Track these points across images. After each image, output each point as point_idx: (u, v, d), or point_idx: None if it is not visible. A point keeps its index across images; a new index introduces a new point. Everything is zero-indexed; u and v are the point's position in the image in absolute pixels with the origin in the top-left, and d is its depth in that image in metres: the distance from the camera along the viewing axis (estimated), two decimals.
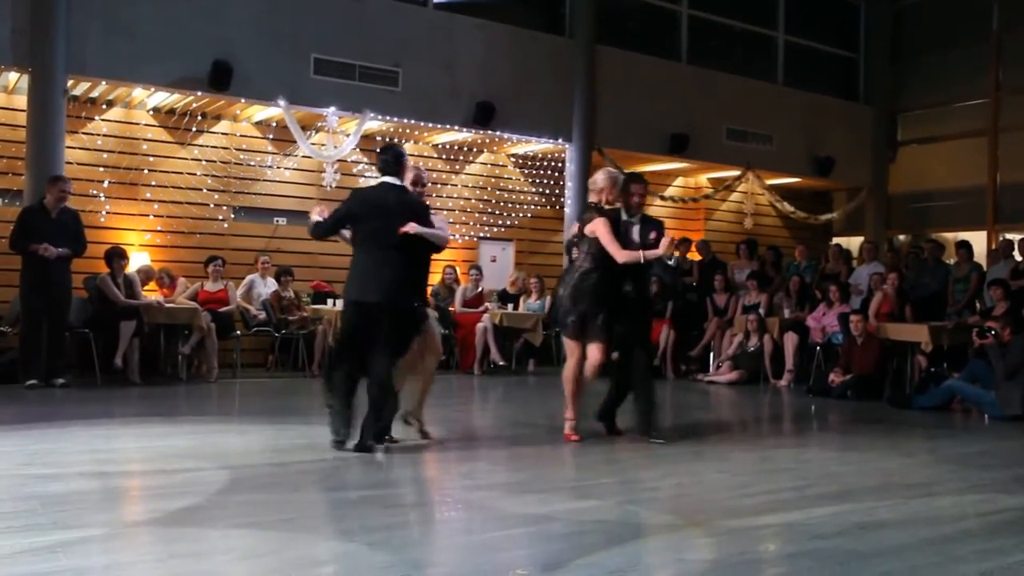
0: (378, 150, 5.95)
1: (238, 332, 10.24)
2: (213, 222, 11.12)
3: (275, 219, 11.50)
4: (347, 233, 5.75)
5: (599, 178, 6.21)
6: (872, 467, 5.65)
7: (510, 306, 11.81)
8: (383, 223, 5.53)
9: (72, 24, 9.34)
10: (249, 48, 10.21)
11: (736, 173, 14.37)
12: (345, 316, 5.64)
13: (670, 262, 6.35)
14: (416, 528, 3.97)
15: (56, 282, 8.61)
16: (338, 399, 5.50)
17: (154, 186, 10.77)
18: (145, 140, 10.75)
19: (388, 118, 11.16)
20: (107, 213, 10.47)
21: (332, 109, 10.71)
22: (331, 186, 11.18)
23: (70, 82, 9.52)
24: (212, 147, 11.14)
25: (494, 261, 13.16)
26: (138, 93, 10.18)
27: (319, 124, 11.16)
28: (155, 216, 10.79)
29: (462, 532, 3.87)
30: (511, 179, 13.40)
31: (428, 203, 6.14)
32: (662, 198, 14.36)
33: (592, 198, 6.23)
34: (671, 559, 3.55)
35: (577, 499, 4.49)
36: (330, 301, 10.69)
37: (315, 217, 5.82)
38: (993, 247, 13.51)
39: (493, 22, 12.09)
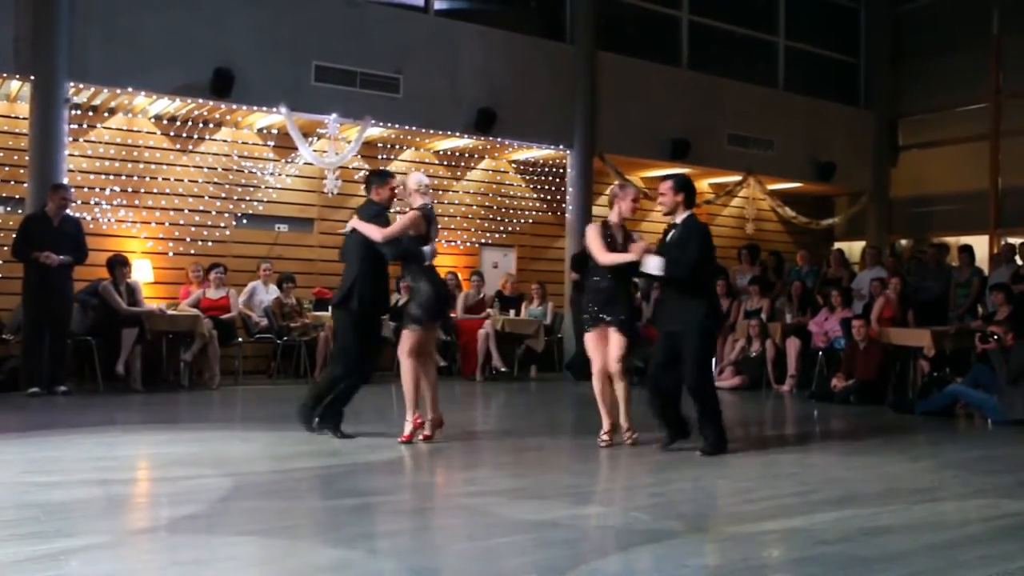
0: (683, 181, 6.15)
1: (240, 339, 10.25)
2: (215, 229, 11.13)
3: (277, 226, 11.51)
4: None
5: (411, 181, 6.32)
6: (875, 472, 5.64)
7: (512, 312, 11.81)
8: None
9: (74, 32, 9.36)
10: (250, 55, 10.24)
11: (737, 178, 14.38)
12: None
13: None
14: (418, 535, 3.97)
15: (58, 290, 8.62)
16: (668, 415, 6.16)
17: (156, 193, 10.78)
18: (147, 148, 10.77)
19: (389, 125, 11.18)
20: (109, 221, 10.49)
21: (333, 116, 10.72)
22: (332, 193, 11.20)
23: (72, 90, 9.54)
24: (214, 154, 11.15)
25: (496, 267, 13.16)
26: (140, 101, 10.20)
27: (320, 131, 11.18)
28: (157, 224, 10.80)
29: (464, 539, 3.87)
30: (512, 185, 13.41)
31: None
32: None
33: (417, 200, 6.22)
34: (674, 565, 3.54)
35: (579, 505, 4.49)
36: (331, 308, 10.68)
37: (654, 259, 5.95)
38: (995, 251, 13.50)
39: (494, 29, 12.12)
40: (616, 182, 6.99)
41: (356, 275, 6.16)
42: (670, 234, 6.15)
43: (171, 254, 10.85)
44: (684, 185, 6.10)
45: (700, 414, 6.09)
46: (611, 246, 6.24)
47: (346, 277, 6.27)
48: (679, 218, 6.07)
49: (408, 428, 6.20)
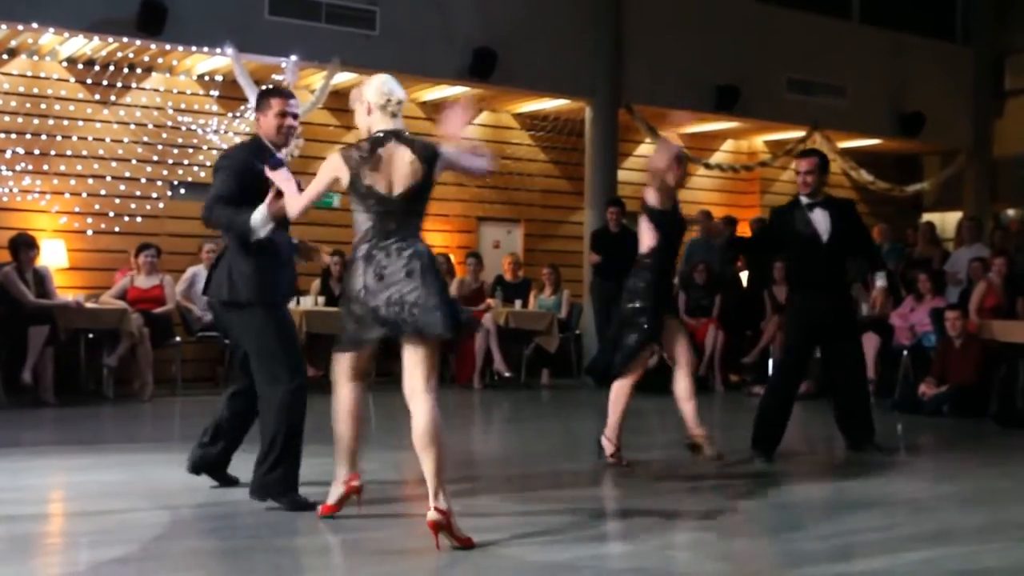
0: (825, 157, 7.08)
1: (178, 339, 10.26)
2: (145, 201, 11.14)
3: None
4: None
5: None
6: (975, 501, 5.65)
7: (517, 303, 11.81)
8: None
9: None
10: None
11: (800, 134, 14.34)
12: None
13: None
14: None
15: None
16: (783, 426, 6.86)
17: (70, 157, 10.78)
18: (58, 99, 10.77)
19: (363, 69, 11.15)
20: (11, 191, 10.49)
21: (292, 58, 10.71)
22: (292, 155, 11.16)
23: None
24: (143, 107, 11.15)
25: (497, 247, 13.15)
26: (48, 39, 10.19)
27: (276, 77, 11.16)
28: (71, 194, 10.80)
29: None
30: (518, 145, 13.39)
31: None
32: (707, 166, 14.35)
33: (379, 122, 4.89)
34: None
35: (604, 543, 4.50)
36: (293, 300, 10.68)
37: None
38: None
39: None
40: (656, 144, 7.16)
41: (227, 256, 5.08)
42: (810, 214, 6.83)
43: (90, 232, 10.85)
44: (827, 162, 7.19)
45: (867, 414, 7.24)
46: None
47: (222, 261, 5.14)
48: (818, 197, 6.87)
49: (337, 493, 4.85)
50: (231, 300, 5.01)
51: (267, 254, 4.97)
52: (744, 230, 13.42)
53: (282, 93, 5.35)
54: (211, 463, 5.42)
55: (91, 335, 9.80)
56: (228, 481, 5.46)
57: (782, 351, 7.34)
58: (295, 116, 5.32)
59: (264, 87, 5.60)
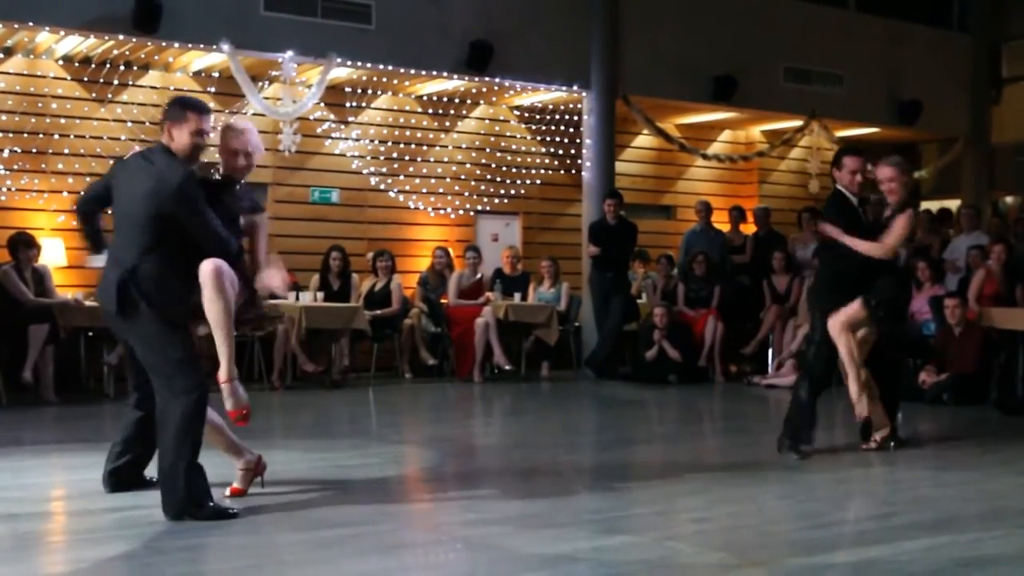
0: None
1: None
2: None
3: None
4: None
5: None
6: (976, 489, 5.66)
7: (517, 296, 11.82)
8: None
9: None
10: None
11: (798, 124, 14.33)
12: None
13: None
14: (406, 574, 3.99)
15: None
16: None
17: (67, 155, 10.77)
18: (54, 97, 10.75)
19: (359, 64, 11.15)
20: (9, 190, 10.49)
21: (289, 54, 10.69)
22: (290, 151, 11.18)
23: None
24: (139, 104, 11.13)
25: (496, 240, 13.14)
26: (44, 38, 10.18)
27: (273, 73, 11.15)
28: (69, 192, 10.79)
29: None
30: (515, 138, 13.37)
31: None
32: (705, 157, 14.32)
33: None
34: None
35: (605, 534, 4.51)
36: (292, 295, 10.69)
37: None
38: None
39: None
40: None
41: (159, 263, 4.85)
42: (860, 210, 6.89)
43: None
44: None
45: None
46: None
47: (121, 260, 5.02)
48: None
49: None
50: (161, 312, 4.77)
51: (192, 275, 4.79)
52: (749, 221, 13.39)
53: (199, 108, 4.91)
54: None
55: (91, 333, 9.79)
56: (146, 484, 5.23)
57: (821, 343, 6.82)
58: (208, 135, 4.93)
59: (181, 98, 5.03)
